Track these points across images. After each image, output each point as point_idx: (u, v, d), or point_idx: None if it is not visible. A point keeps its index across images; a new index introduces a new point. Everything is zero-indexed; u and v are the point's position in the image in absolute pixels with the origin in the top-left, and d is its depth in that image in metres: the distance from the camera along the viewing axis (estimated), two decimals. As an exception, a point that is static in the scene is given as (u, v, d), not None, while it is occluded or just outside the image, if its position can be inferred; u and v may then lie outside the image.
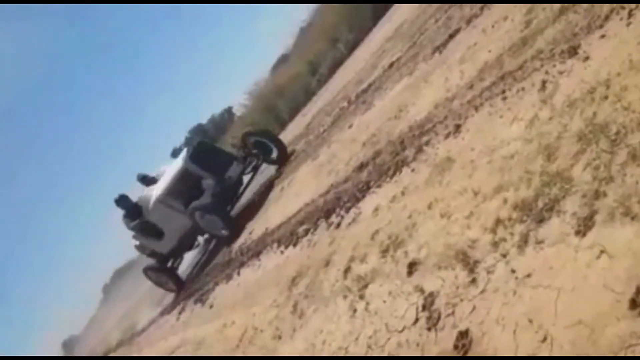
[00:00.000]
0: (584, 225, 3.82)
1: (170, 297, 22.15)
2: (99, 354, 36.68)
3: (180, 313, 18.12)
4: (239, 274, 13.96)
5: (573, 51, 6.16)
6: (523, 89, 6.48)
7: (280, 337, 8.17)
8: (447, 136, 7.39)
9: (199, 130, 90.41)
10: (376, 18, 26.46)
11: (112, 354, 28.97)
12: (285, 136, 28.39)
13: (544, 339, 3.57)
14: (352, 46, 27.80)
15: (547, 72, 6.29)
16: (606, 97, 4.83)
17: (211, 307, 14.52)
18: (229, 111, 75.98)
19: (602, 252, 3.54)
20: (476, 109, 7.12)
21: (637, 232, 3.39)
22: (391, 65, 15.51)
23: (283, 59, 48.02)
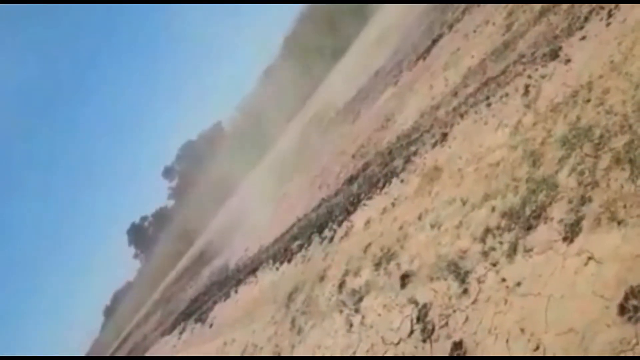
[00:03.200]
0: (571, 232, 3.82)
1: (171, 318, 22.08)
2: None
3: (180, 333, 18.05)
4: (236, 291, 13.92)
5: (554, 54, 6.19)
6: (507, 94, 6.50)
7: (279, 354, 8.13)
8: (434, 145, 7.40)
9: (189, 147, 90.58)
10: (358, 25, 26.63)
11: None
12: (276, 149, 28.48)
13: (537, 348, 3.55)
14: (337, 55, 27.95)
15: (529, 77, 6.31)
16: (589, 101, 4.84)
17: (211, 326, 14.46)
18: (218, 126, 76.19)
19: (589, 258, 3.53)
20: (461, 116, 7.14)
21: (624, 237, 3.39)
22: (376, 73, 15.57)
23: (269, 71, 48.21)
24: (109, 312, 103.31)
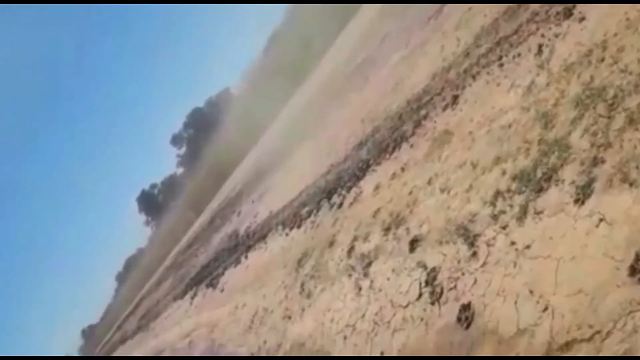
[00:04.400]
0: (583, 194, 3.77)
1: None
2: (117, 342, 37.21)
3: (192, 298, 18.30)
4: (246, 257, 14.03)
5: (568, 12, 6.04)
6: (519, 54, 6.37)
7: (289, 317, 8.22)
8: (444, 108, 7.31)
9: (196, 113, 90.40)
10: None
11: (129, 341, 29.37)
12: (284, 115, 28.33)
13: (545, 309, 3.55)
14: (345, 21, 27.53)
15: (543, 36, 6.18)
16: (603, 60, 4.73)
17: (222, 290, 14.63)
18: (226, 92, 75.85)
19: (601, 220, 3.49)
20: (473, 77, 7.03)
21: (635, 198, 3.34)
22: (385, 37, 15.34)
23: (274, 37, 47.64)
24: (121, 278, 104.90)
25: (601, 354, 3.06)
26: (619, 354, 2.96)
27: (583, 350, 3.18)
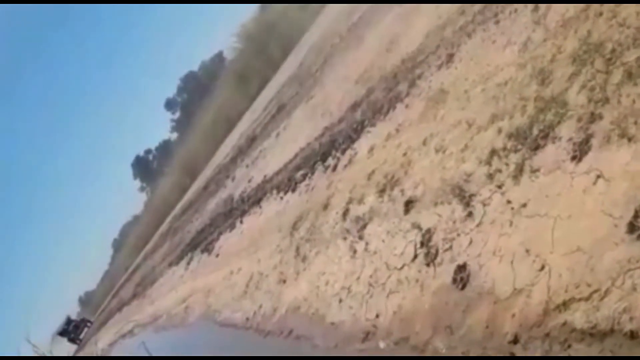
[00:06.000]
0: (580, 150, 3.69)
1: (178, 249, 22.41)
2: (114, 309, 37.53)
3: (188, 263, 18.36)
4: (241, 222, 14.01)
5: (566, -33, 5.86)
6: (516, 10, 6.20)
7: (284, 281, 8.22)
8: (440, 67, 7.17)
9: (190, 77, 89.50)
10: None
11: (125, 307, 29.59)
12: (278, 78, 28.01)
13: (542, 268, 3.50)
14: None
15: (539, -9, 6.00)
16: (601, 14, 4.59)
17: (217, 255, 14.66)
18: (219, 56, 74.93)
19: (598, 176, 3.42)
20: (469, 35, 6.87)
21: (634, 153, 3.26)
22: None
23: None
24: (117, 245, 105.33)
25: (599, 313, 3.02)
26: (618, 312, 2.92)
27: (581, 308, 3.14)
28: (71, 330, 52.59)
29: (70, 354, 50.68)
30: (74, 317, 59.37)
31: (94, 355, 29.11)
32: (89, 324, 53.97)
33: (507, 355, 3.56)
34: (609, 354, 2.90)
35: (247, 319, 8.86)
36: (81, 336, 52.61)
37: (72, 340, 52.87)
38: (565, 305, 3.25)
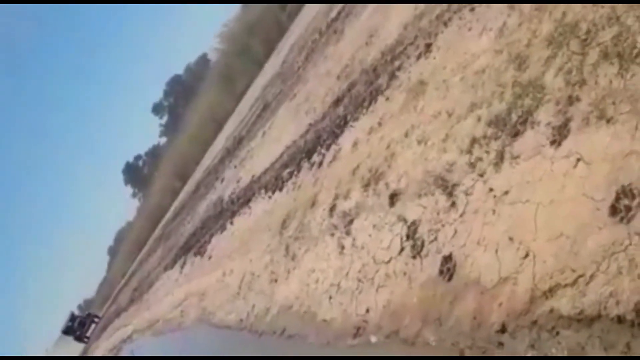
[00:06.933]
0: (559, 134, 3.65)
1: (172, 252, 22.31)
2: (113, 315, 37.37)
3: (182, 267, 18.26)
4: (232, 223, 13.93)
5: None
6: (491, -4, 6.16)
7: (276, 281, 8.16)
8: (418, 57, 7.11)
9: (176, 81, 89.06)
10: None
11: (123, 314, 29.46)
12: (262, 77, 27.89)
13: (526, 256, 3.46)
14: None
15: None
16: (575, -6, 4.55)
17: (210, 258, 14.57)
18: (204, 58, 74.55)
19: (578, 160, 3.37)
20: (445, 24, 6.81)
21: (613, 134, 3.22)
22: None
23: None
24: (112, 252, 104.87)
25: (586, 299, 2.98)
26: (604, 296, 2.88)
27: (567, 294, 3.11)
28: (76, 327, 47.78)
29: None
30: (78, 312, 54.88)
31: None
32: (95, 319, 49.88)
33: (496, 343, 3.53)
34: (597, 340, 2.86)
35: (241, 319, 8.80)
36: (88, 333, 48.44)
37: (78, 339, 48.65)
38: (551, 291, 3.21)
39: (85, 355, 47.65)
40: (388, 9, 10.23)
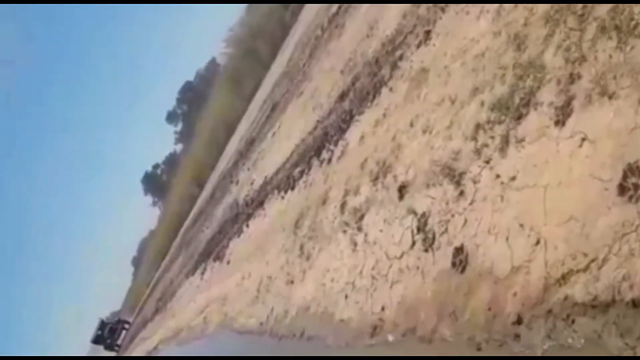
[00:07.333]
0: (563, 114, 3.52)
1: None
2: (140, 326, 37.68)
3: (202, 273, 18.32)
4: (247, 226, 13.91)
5: None
6: (487, -23, 6.01)
7: (292, 282, 8.09)
8: (418, 45, 6.98)
9: (187, 88, 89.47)
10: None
11: (149, 324, 29.67)
12: (270, 78, 27.85)
13: (537, 242, 3.35)
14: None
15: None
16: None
17: (228, 262, 14.58)
18: (213, 63, 74.81)
19: (583, 139, 3.25)
20: (443, 10, 6.68)
21: (616, 110, 3.09)
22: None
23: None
24: (137, 262, 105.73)
25: (599, 284, 2.87)
26: (617, 280, 2.76)
27: (581, 280, 2.99)
28: (107, 335, 45.81)
29: None
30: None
31: None
32: (126, 326, 47.81)
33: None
34: (613, 327, 2.75)
35: (261, 323, 8.76)
36: (119, 341, 46.31)
37: (109, 347, 46.52)
38: (564, 278, 3.10)
39: (89, 356, 47.04)
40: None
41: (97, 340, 46.54)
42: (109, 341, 46.36)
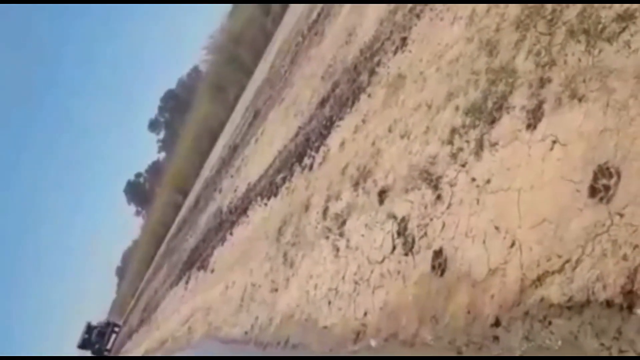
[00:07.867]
0: (534, 118, 3.57)
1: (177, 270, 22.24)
2: (125, 337, 37.32)
3: (187, 283, 18.22)
4: (231, 233, 13.88)
5: None
6: (461, -17, 6.08)
7: (276, 290, 8.09)
8: (395, 52, 7.05)
9: (170, 96, 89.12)
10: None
11: (134, 335, 29.41)
12: (252, 84, 27.86)
13: (512, 244, 3.39)
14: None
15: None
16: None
17: (212, 271, 14.52)
18: (195, 70, 74.71)
19: (554, 142, 3.30)
20: (418, 17, 6.75)
21: (586, 113, 3.14)
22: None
23: (233, 8, 46.36)
24: (121, 272, 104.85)
25: (574, 285, 2.91)
26: (591, 281, 2.81)
27: (556, 282, 3.03)
28: (95, 339, 43.07)
29: None
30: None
31: None
32: (116, 328, 45.20)
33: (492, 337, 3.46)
34: (589, 327, 2.79)
35: (246, 332, 8.73)
36: (108, 345, 43.66)
37: (97, 352, 43.47)
38: (540, 280, 3.14)
39: (86, 356, 44.77)
40: (364, 6, 10.17)
41: (84, 344, 43.86)
42: (97, 346, 43.79)
